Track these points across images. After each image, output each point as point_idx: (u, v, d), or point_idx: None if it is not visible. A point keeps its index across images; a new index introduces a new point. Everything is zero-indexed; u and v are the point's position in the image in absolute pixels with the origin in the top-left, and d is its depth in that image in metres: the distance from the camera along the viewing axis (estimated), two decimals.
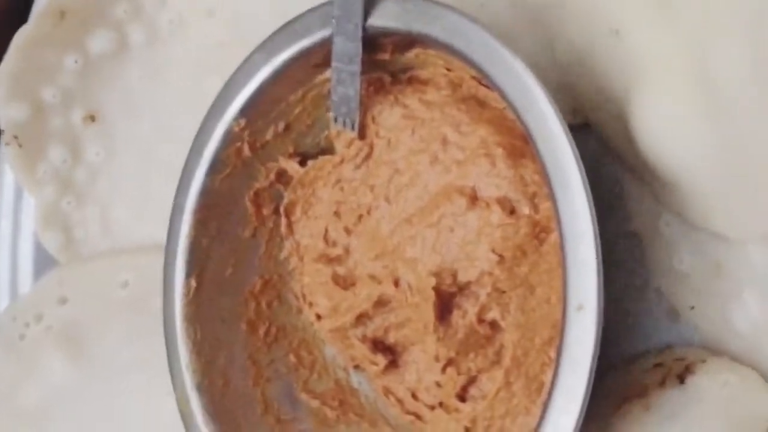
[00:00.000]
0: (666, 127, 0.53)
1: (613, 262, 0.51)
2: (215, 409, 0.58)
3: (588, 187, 0.50)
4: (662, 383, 0.54)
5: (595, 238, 0.49)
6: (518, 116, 0.51)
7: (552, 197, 0.50)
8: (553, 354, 0.54)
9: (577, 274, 0.50)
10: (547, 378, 0.54)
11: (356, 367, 0.61)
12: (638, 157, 0.55)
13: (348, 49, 0.55)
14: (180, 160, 0.59)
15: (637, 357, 0.57)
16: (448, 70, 0.56)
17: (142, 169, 0.67)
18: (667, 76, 0.52)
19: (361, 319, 0.59)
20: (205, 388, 0.59)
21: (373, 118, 0.59)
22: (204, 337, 0.59)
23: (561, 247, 0.50)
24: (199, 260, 0.59)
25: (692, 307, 0.56)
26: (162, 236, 0.60)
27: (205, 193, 0.59)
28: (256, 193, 0.60)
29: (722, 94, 0.50)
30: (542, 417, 0.50)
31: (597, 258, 0.49)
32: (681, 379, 0.54)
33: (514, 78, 0.51)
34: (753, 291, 0.53)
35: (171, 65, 0.66)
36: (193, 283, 0.59)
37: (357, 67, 0.56)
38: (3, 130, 0.66)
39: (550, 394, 0.50)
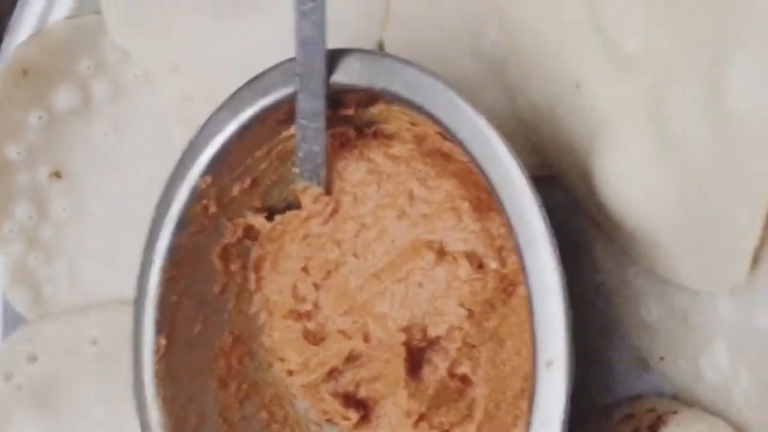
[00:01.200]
0: (626, 180, 0.52)
1: (581, 314, 0.50)
2: None
3: (554, 241, 0.49)
4: None
5: (563, 294, 0.49)
6: (482, 171, 0.51)
7: (518, 252, 0.50)
8: (525, 406, 0.54)
9: (545, 330, 0.49)
10: (520, 431, 0.54)
11: (329, 421, 0.61)
12: (602, 210, 0.55)
13: (312, 106, 0.55)
14: (147, 214, 0.59)
15: (608, 408, 0.57)
16: (413, 124, 0.56)
17: (109, 224, 0.67)
18: (627, 129, 0.52)
19: (332, 374, 0.59)
20: None
21: (339, 174, 0.58)
22: (174, 396, 0.58)
23: (528, 302, 0.50)
24: (168, 317, 0.59)
25: (662, 358, 0.56)
26: (131, 291, 0.59)
27: (173, 250, 0.58)
28: (224, 249, 0.60)
29: (681, 145, 0.50)
30: None
31: (565, 313, 0.49)
32: (652, 431, 0.54)
33: (476, 133, 0.51)
34: (721, 343, 0.53)
35: (137, 120, 0.66)
36: (163, 341, 0.58)
37: (322, 124, 0.55)
38: None
39: None
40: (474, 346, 0.55)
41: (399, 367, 0.56)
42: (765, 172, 0.47)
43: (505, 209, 0.50)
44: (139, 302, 0.59)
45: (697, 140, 0.49)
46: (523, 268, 0.50)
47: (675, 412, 0.54)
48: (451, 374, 0.56)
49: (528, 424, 0.50)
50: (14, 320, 0.67)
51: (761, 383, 0.51)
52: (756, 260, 0.49)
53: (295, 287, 0.60)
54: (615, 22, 0.51)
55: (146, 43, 0.64)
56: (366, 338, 0.58)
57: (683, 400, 0.56)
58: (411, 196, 0.57)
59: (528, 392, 0.53)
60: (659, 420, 0.54)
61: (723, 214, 0.50)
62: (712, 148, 0.49)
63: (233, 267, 0.61)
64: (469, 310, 0.55)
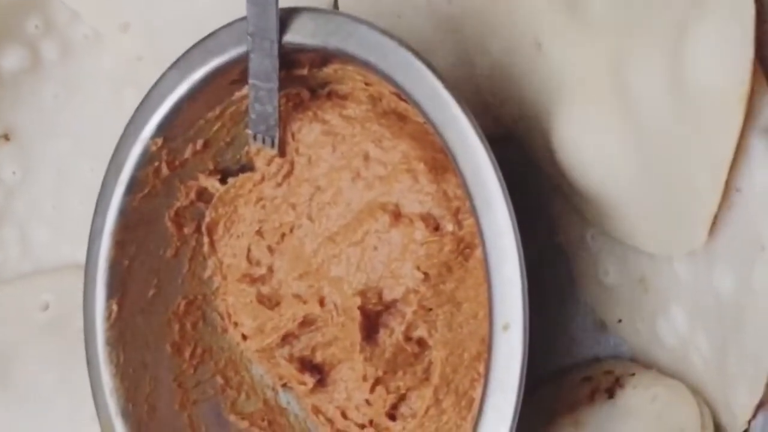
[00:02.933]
0: (584, 143, 0.52)
1: (539, 276, 0.50)
2: None
3: (510, 204, 0.49)
4: (591, 398, 0.53)
5: (519, 257, 0.48)
6: (438, 132, 0.50)
7: (475, 215, 0.49)
8: (482, 369, 0.54)
9: (502, 293, 0.49)
10: (477, 394, 0.54)
11: (284, 386, 0.61)
12: (559, 172, 0.54)
13: (264, 66, 0.54)
14: (99, 178, 0.58)
15: (565, 370, 0.57)
16: (368, 84, 0.55)
17: (60, 188, 0.65)
18: (587, 90, 0.51)
19: (288, 338, 0.58)
20: (130, 413, 0.57)
21: (293, 135, 0.58)
22: (127, 361, 0.58)
23: (485, 265, 0.49)
24: (120, 282, 0.58)
25: (620, 320, 0.56)
26: (83, 256, 0.58)
27: (124, 213, 0.57)
28: (177, 212, 0.59)
29: (641, 111, 0.50)
30: None
31: (522, 277, 0.48)
32: (610, 393, 0.53)
33: (432, 94, 0.50)
34: (679, 306, 0.53)
35: (86, 81, 0.65)
36: (115, 307, 0.57)
37: (274, 84, 0.54)
38: None
39: (479, 415, 0.49)
40: (430, 309, 0.55)
41: (355, 331, 0.56)
42: (723, 140, 0.47)
43: (461, 171, 0.50)
44: (89, 267, 0.58)
45: (657, 106, 0.49)
46: (479, 231, 0.49)
47: (632, 375, 0.54)
48: (408, 338, 0.55)
49: (485, 387, 0.49)
50: None
51: (718, 346, 0.51)
52: (714, 224, 0.49)
53: (249, 251, 0.60)
54: None
55: (94, 1, 0.63)
56: (321, 302, 0.57)
57: (641, 363, 0.56)
58: (366, 158, 0.56)
59: (485, 356, 0.52)
60: (617, 382, 0.53)
61: (681, 180, 0.49)
62: (671, 115, 0.49)
63: (186, 230, 0.60)
64: (425, 273, 0.54)
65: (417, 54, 0.51)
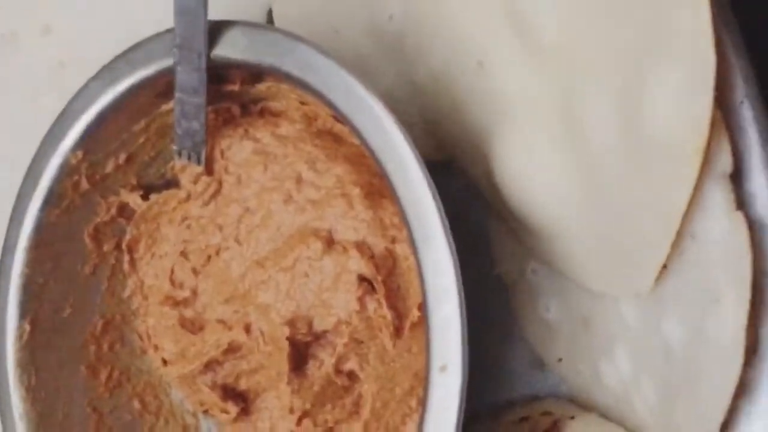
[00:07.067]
0: (528, 171, 0.50)
1: (477, 309, 0.48)
2: None
3: (452, 241, 0.47)
4: None
5: (460, 298, 0.46)
6: (376, 159, 0.48)
7: (413, 249, 0.47)
8: (414, 404, 0.52)
9: (440, 333, 0.47)
10: (408, 429, 0.53)
11: (206, 412, 0.58)
12: (501, 199, 0.52)
13: (191, 80, 0.51)
14: (15, 189, 0.56)
15: (502, 408, 0.55)
16: (302, 103, 0.53)
17: None
18: (533, 118, 0.49)
19: (211, 365, 0.56)
20: None
21: (222, 153, 0.56)
22: (40, 384, 0.55)
23: (423, 304, 0.47)
24: (34, 301, 0.55)
25: (560, 359, 0.54)
26: None
27: (40, 228, 0.55)
28: (96, 228, 0.57)
29: (591, 149, 0.48)
30: None
31: (461, 317, 0.46)
32: None
33: (371, 118, 0.48)
34: (623, 349, 0.51)
35: (3, 86, 0.62)
36: (27, 327, 0.55)
37: (202, 99, 0.52)
38: None
39: None
40: (362, 341, 0.53)
41: (282, 362, 0.54)
42: (678, 190, 0.45)
43: (400, 201, 0.48)
44: (1, 284, 0.55)
45: (608, 147, 0.47)
46: (417, 268, 0.47)
47: (572, 418, 0.52)
48: (338, 370, 0.54)
49: (420, 428, 0.47)
50: None
51: (665, 395, 0.49)
52: (664, 268, 0.47)
53: (172, 272, 0.57)
54: (533, 6, 0.48)
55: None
56: (247, 329, 0.55)
57: (580, 404, 0.54)
58: (299, 180, 0.54)
59: (418, 390, 0.51)
60: (555, 425, 0.52)
61: (632, 222, 0.48)
62: (623, 158, 0.47)
63: (106, 247, 0.58)
64: (361, 303, 0.52)
65: (357, 75, 0.49)
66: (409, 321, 0.52)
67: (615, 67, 0.46)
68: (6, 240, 0.55)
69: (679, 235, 0.46)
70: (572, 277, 0.51)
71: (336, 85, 0.49)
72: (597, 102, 0.47)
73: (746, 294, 0.45)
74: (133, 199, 0.57)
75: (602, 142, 0.47)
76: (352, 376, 0.54)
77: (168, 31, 0.52)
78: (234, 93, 0.54)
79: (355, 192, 0.52)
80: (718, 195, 0.45)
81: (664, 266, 0.47)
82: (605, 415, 0.53)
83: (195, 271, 0.57)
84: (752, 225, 0.46)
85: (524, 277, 0.54)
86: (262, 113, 0.55)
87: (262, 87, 0.53)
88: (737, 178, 0.46)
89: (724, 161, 0.45)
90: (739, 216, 0.45)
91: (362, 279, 0.52)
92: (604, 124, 0.47)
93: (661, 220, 0.46)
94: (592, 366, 0.53)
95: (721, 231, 0.45)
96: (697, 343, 0.47)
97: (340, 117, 0.50)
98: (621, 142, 0.47)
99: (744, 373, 0.46)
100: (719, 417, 0.46)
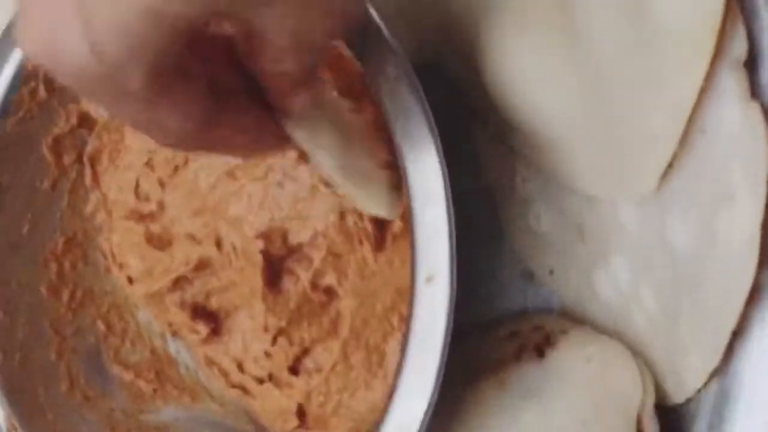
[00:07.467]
0: (522, 65, 0.47)
1: (464, 220, 0.45)
2: (13, 387, 0.53)
3: (439, 142, 0.45)
4: (518, 356, 0.49)
5: (447, 201, 0.44)
6: (358, 59, 0.46)
7: (399, 152, 0.45)
8: (396, 322, 0.51)
9: (426, 241, 0.45)
10: (390, 349, 0.51)
11: (175, 334, 0.57)
12: (489, 102, 0.49)
13: None
14: None
15: (490, 323, 0.52)
16: None
17: None
18: (531, 7, 0.46)
19: (179, 283, 0.55)
20: (0, 363, 0.53)
21: None
22: None
23: (409, 209, 0.45)
24: None
25: (551, 271, 0.52)
26: None
27: None
28: (56, 140, 0.56)
29: (595, 43, 0.45)
30: (391, 399, 0.46)
31: (449, 222, 0.44)
32: (540, 352, 0.49)
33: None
34: (621, 257, 0.49)
35: None
36: None
37: None
38: None
39: (397, 378, 0.45)
40: (340, 255, 0.51)
41: (256, 277, 0.52)
42: (689, 77, 0.43)
43: (384, 104, 0.45)
44: None
45: (614, 40, 0.45)
46: (403, 172, 0.45)
47: (565, 332, 0.49)
48: (315, 286, 0.52)
49: (404, 344, 0.45)
50: None
51: (668, 304, 0.47)
52: (669, 169, 0.45)
53: (137, 184, 0.56)
54: None
55: None
56: (218, 244, 0.54)
57: (573, 318, 0.51)
58: None
59: (400, 307, 0.50)
60: (547, 341, 0.49)
61: (634, 118, 0.45)
62: (630, 52, 0.45)
63: (66, 160, 0.56)
64: (340, 213, 0.50)
65: None
66: (391, 233, 0.50)
67: None
68: None
69: (687, 129, 0.44)
70: (568, 183, 0.49)
71: None
72: None
73: (762, 190, 0.43)
74: (95, 108, 0.55)
75: (608, 37, 0.45)
76: (329, 292, 0.52)
77: None
78: None
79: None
80: (732, 83, 0.43)
81: (670, 165, 0.45)
82: (600, 330, 0.50)
83: (161, 183, 0.55)
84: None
85: (513, 186, 0.52)
86: None
87: None
88: (751, 66, 0.44)
89: (738, 47, 0.43)
90: (755, 106, 0.43)
91: None
92: (611, 16, 0.45)
93: (668, 114, 0.44)
94: (587, 277, 0.51)
95: (734, 123, 0.44)
96: (705, 247, 0.45)
97: None
98: (628, 36, 0.45)
99: (757, 277, 0.44)
100: (729, 325, 0.45)
